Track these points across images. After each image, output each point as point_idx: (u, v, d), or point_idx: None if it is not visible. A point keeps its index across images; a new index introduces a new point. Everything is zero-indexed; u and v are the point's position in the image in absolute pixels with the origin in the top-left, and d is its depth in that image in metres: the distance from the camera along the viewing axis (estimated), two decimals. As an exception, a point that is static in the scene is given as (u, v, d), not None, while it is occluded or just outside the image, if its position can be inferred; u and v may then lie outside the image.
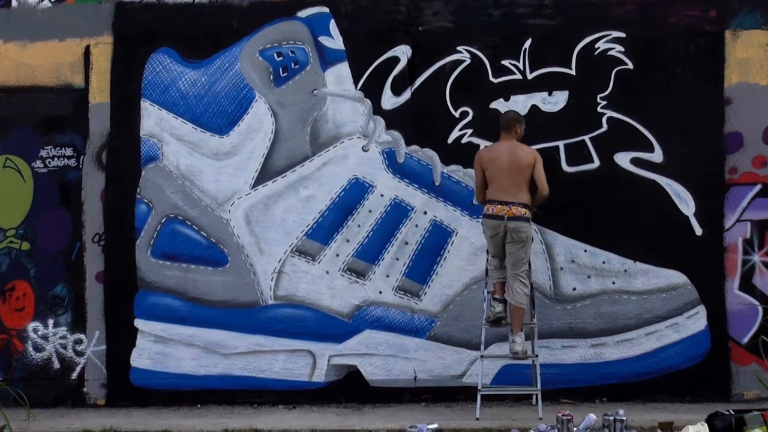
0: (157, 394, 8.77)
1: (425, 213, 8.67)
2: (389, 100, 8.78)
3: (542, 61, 8.69)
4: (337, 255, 8.72)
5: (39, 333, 8.89)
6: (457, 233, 8.66)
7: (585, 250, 8.59)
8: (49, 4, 9.03)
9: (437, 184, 8.71)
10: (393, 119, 8.76)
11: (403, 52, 8.77)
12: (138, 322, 8.79)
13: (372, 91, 8.76)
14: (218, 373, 8.75)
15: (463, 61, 8.74)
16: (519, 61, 8.71)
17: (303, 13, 8.85)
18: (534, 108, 8.67)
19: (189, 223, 8.83)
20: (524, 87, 8.70)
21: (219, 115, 8.85)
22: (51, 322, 8.90)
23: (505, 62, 8.71)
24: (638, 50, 8.63)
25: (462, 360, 8.61)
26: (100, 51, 8.94)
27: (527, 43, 8.69)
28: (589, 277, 8.58)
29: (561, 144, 8.64)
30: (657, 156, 8.58)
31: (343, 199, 8.75)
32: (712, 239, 8.54)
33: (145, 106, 8.89)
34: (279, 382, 8.66)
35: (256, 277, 8.76)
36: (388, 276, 8.69)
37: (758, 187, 8.58)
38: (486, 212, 8.00)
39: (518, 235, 7.92)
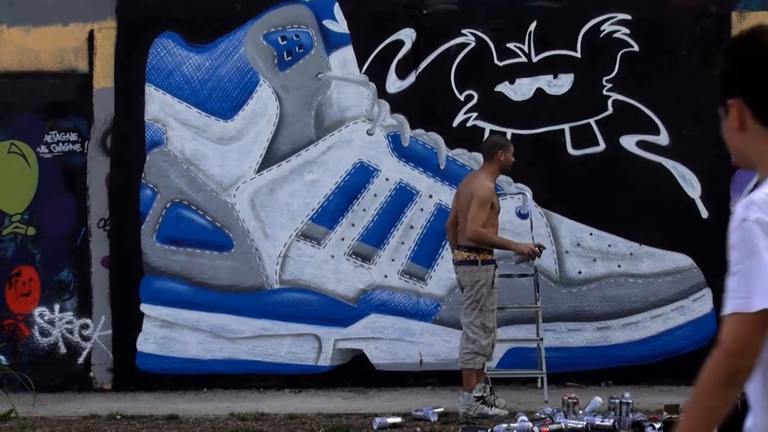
0: (163, 379, 8.79)
1: (430, 197, 8.65)
2: (394, 84, 8.75)
3: (547, 44, 8.65)
4: (343, 239, 8.72)
5: (45, 318, 8.91)
6: (462, 217, 8.65)
7: (590, 233, 8.58)
8: (53, -11, 9.00)
9: (442, 167, 8.69)
10: (398, 103, 8.73)
11: (407, 36, 8.74)
12: (144, 307, 8.81)
13: (376, 75, 8.74)
14: (224, 357, 8.76)
15: (468, 44, 8.71)
16: (524, 44, 8.67)
17: (307, -3, 8.82)
18: (539, 91, 8.65)
19: (194, 208, 8.83)
20: (529, 70, 8.67)
21: (223, 100, 8.83)
22: (57, 307, 8.92)
23: (510, 45, 8.68)
24: (644, 32, 8.59)
25: (467, 343, 8.62)
26: (104, 36, 8.92)
27: (532, 26, 8.66)
28: (594, 260, 8.57)
29: (566, 127, 8.62)
30: (663, 139, 8.56)
31: (348, 183, 8.74)
32: (718, 222, 8.51)
33: (150, 90, 8.88)
34: (285, 366, 8.68)
35: (262, 261, 8.76)
36: (393, 260, 8.69)
37: (764, 170, 8.56)
38: None
39: (462, 280, 7.39)
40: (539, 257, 7.61)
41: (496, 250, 7.43)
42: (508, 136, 8.54)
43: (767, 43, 2.23)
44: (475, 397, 7.24)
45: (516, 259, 7.60)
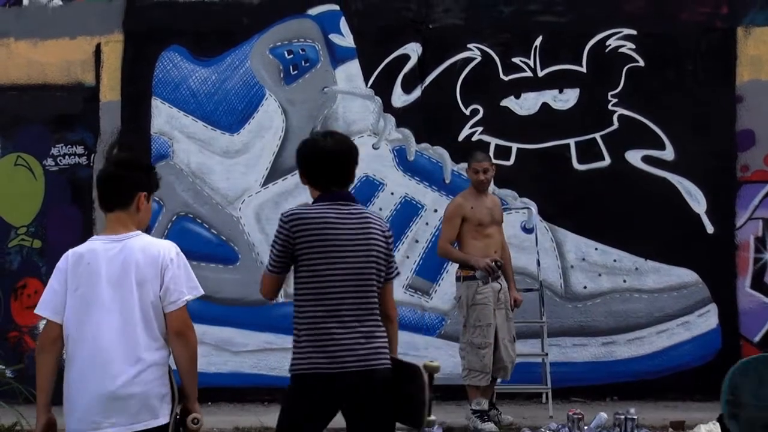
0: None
1: (435, 211, 8.66)
2: (399, 98, 8.77)
3: (553, 59, 8.67)
4: (348, 253, 8.71)
5: (50, 330, 8.90)
6: (467, 231, 8.65)
7: (596, 248, 8.57)
8: (60, 2, 9.04)
9: (447, 181, 8.70)
10: (403, 117, 8.75)
11: (413, 50, 8.76)
12: (149, 320, 8.79)
13: (382, 89, 8.76)
14: (228, 370, 8.75)
15: (474, 58, 8.73)
16: (530, 59, 8.69)
17: (313, 11, 8.85)
18: (545, 105, 8.66)
19: (199, 221, 8.84)
20: (535, 84, 8.68)
21: (229, 113, 8.86)
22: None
23: (516, 59, 8.70)
24: (649, 47, 8.61)
25: (472, 358, 8.60)
26: (111, 49, 8.95)
27: (538, 41, 8.67)
28: (600, 275, 8.56)
29: (572, 142, 8.62)
30: (668, 154, 8.56)
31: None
32: (723, 237, 8.51)
33: (156, 103, 8.90)
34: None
35: (267, 274, 8.75)
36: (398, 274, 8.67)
37: (770, 185, 8.56)
38: None
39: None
40: (495, 273, 7.28)
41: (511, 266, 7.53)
42: (514, 151, 8.58)
43: None
44: (471, 410, 7.24)
45: (478, 275, 7.31)
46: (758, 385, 3.05)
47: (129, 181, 3.90)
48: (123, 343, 3.67)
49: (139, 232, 3.89)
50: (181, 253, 3.89)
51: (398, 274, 4.15)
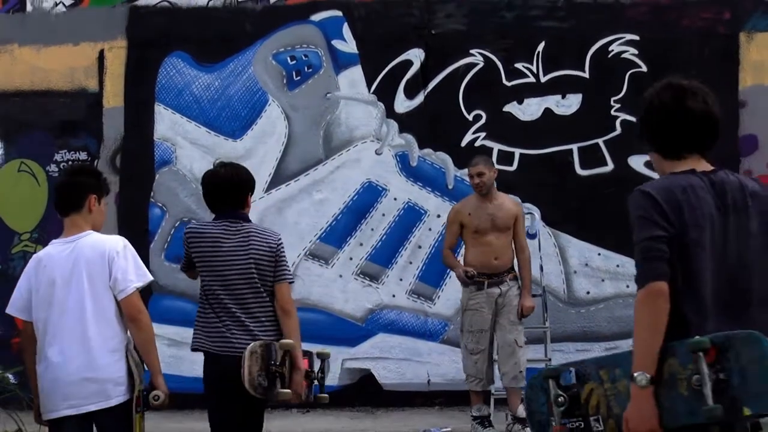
0: (171, 398, 8.75)
1: (438, 216, 8.65)
2: (402, 104, 8.78)
3: (556, 64, 8.68)
4: (351, 258, 8.72)
5: (53, 336, 8.91)
6: (470, 236, 8.65)
7: (599, 254, 8.57)
8: (64, 9, 9.06)
9: (450, 187, 8.70)
10: (406, 122, 8.76)
11: (416, 56, 8.77)
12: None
13: (385, 95, 8.77)
14: (232, 376, 8.74)
15: (477, 64, 8.74)
16: (532, 64, 8.70)
17: (316, 17, 8.86)
18: (547, 111, 8.66)
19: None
20: (538, 90, 8.69)
21: (232, 119, 8.87)
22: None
23: (519, 65, 8.70)
24: (652, 53, 8.61)
25: (475, 363, 8.60)
26: (114, 55, 8.97)
27: (540, 46, 8.68)
28: (603, 280, 8.55)
29: (575, 147, 8.62)
30: (671, 159, 8.54)
31: (356, 202, 8.75)
32: (726, 242, 8.49)
33: (159, 109, 8.92)
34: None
35: (270, 280, 8.75)
36: (401, 279, 8.69)
37: (773, 190, 8.55)
38: None
39: None
40: (470, 282, 7.25)
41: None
42: (516, 156, 8.58)
43: None
44: (471, 416, 7.25)
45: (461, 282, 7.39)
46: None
47: (79, 186, 4.33)
48: (78, 336, 4.14)
49: (91, 231, 4.29)
50: (129, 246, 4.31)
51: (292, 280, 4.98)
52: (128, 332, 4.29)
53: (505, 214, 7.37)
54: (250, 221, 5.03)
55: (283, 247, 4.90)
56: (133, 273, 4.21)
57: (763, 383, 2.74)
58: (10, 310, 4.32)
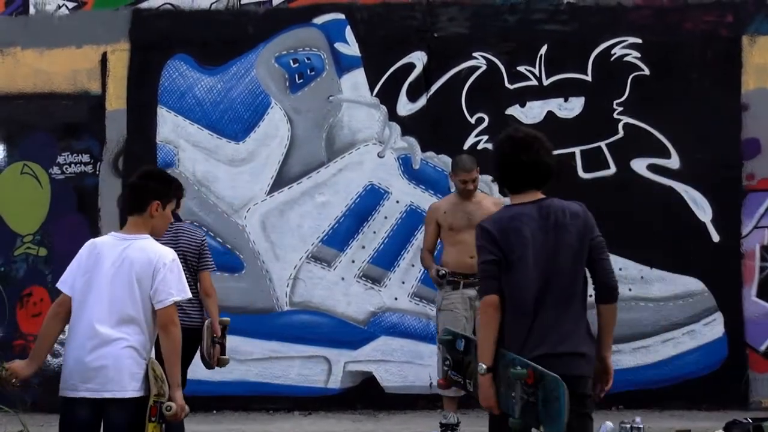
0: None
1: (441, 219, 8.65)
2: (405, 107, 8.78)
3: (558, 67, 8.68)
4: (353, 261, 8.72)
5: (56, 339, 8.91)
6: (472, 239, 8.64)
7: (601, 257, 8.55)
8: (67, 12, 9.08)
9: (453, 190, 8.69)
10: (409, 125, 8.76)
11: (418, 59, 8.77)
12: (154, 328, 8.81)
13: (388, 98, 8.77)
14: (234, 379, 8.75)
15: (479, 67, 8.74)
16: (535, 67, 8.70)
17: (319, 20, 8.87)
18: (550, 114, 8.66)
19: (205, 229, 8.84)
20: (540, 93, 8.69)
21: (235, 122, 8.88)
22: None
23: (521, 68, 8.71)
24: (654, 56, 8.61)
25: (478, 367, 8.59)
26: (117, 58, 8.98)
27: (543, 49, 8.68)
28: (605, 283, 8.53)
29: (577, 150, 8.62)
30: (674, 162, 8.55)
31: (359, 205, 8.76)
32: (729, 246, 8.50)
33: (162, 112, 8.93)
34: (294, 388, 8.67)
35: (272, 283, 8.77)
36: (403, 282, 8.69)
37: (776, 194, 8.55)
38: None
39: None
40: (443, 282, 7.12)
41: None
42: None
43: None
44: (439, 423, 6.86)
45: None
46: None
47: (144, 190, 4.51)
48: (106, 324, 4.34)
49: (147, 236, 4.47)
50: (177, 260, 4.48)
51: (213, 268, 6.57)
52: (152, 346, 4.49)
53: (483, 212, 7.19)
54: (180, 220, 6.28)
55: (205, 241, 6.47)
56: (175, 287, 4.39)
57: (556, 415, 3.76)
58: (62, 286, 4.53)
